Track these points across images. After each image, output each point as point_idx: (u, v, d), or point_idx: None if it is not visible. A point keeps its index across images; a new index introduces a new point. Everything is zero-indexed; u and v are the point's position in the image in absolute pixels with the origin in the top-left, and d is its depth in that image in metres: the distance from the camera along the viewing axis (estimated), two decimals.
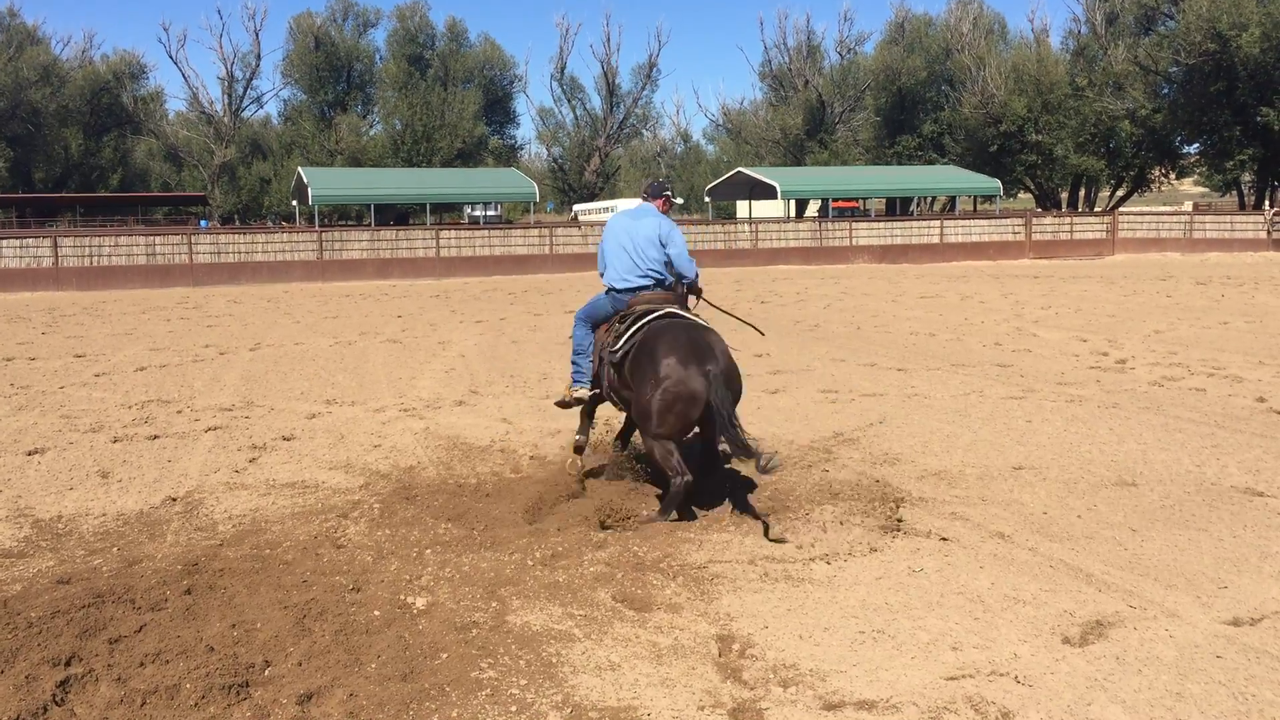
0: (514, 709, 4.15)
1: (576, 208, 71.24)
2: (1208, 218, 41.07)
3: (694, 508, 6.65)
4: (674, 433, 6.38)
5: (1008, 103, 51.70)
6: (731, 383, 6.36)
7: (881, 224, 39.66)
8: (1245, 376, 11.61)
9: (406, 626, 4.95)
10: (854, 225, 38.57)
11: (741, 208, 51.83)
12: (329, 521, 6.69)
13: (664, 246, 7.02)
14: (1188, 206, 61.32)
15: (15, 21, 63.21)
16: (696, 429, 6.67)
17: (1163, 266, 32.58)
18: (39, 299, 27.14)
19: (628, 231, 7.11)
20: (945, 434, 8.97)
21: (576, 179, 73.93)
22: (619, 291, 7.12)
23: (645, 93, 74.96)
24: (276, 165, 65.06)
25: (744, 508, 6.66)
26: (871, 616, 4.99)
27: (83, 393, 11.76)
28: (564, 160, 75.47)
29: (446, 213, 62.78)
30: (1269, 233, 37.18)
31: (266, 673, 4.47)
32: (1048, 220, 40.33)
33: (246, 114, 70.21)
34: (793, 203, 49.38)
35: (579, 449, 7.46)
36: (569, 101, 74.84)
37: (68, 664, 4.47)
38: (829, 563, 5.77)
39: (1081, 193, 57.94)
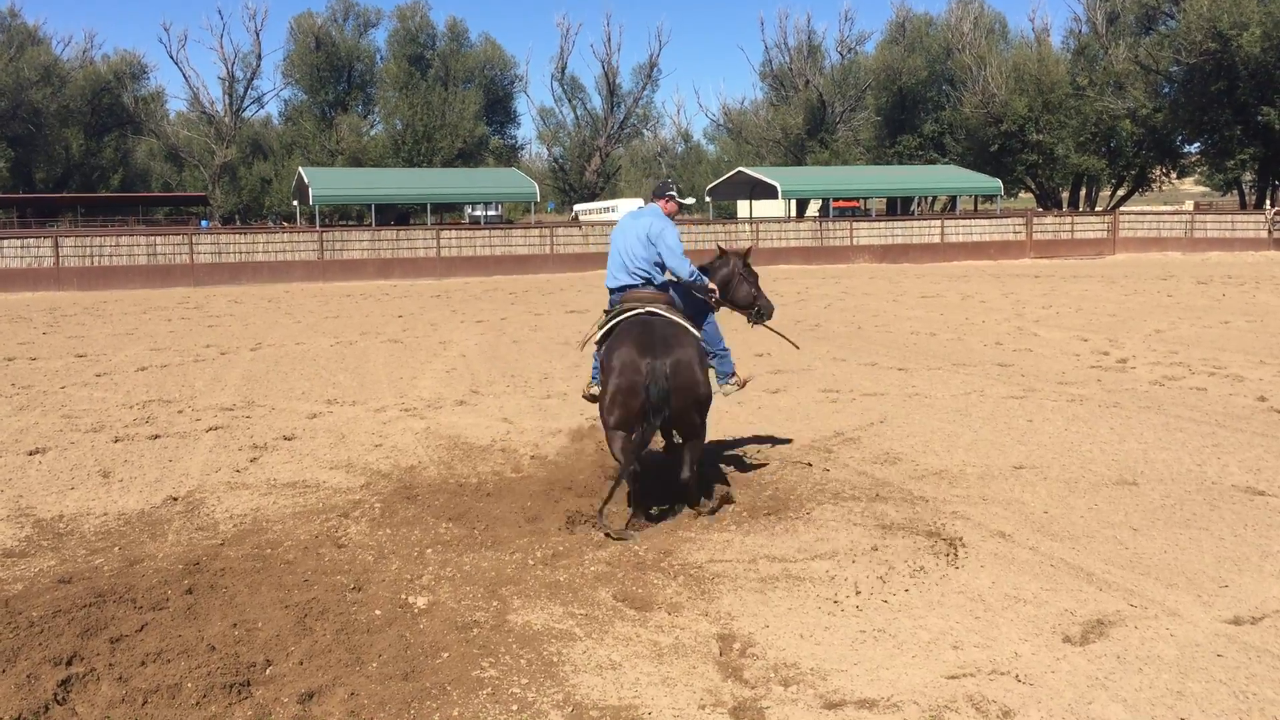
0: (515, 708, 4.15)
1: (577, 208, 71.25)
2: (1208, 217, 41.07)
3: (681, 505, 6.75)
4: (619, 423, 6.44)
5: (1008, 102, 51.69)
6: (679, 379, 6.31)
7: (882, 224, 39.66)
8: (1246, 376, 11.61)
9: (408, 626, 4.95)
10: (855, 225, 38.57)
11: (742, 207, 51.82)
12: (330, 521, 6.70)
13: (653, 245, 6.99)
14: (1189, 206, 61.32)
15: (16, 22, 63.27)
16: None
17: (1164, 266, 32.57)
18: (40, 299, 27.15)
19: (624, 231, 7.16)
20: (946, 433, 8.98)
21: (577, 179, 73.93)
22: (612, 290, 7.21)
23: (646, 92, 75.03)
24: (277, 165, 65.05)
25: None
26: (872, 615, 5.00)
27: (84, 393, 11.77)
28: (565, 160, 75.48)
29: (447, 213, 62.80)
30: (1270, 232, 37.16)
31: (268, 672, 4.47)
32: (1048, 220, 40.32)
33: (247, 114, 70.29)
34: (793, 202, 49.39)
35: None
36: (570, 101, 74.91)
37: (69, 663, 4.47)
38: (830, 561, 5.77)
39: (1082, 192, 57.93)
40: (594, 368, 7.38)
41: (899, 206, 52.24)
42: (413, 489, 7.41)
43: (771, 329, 7.84)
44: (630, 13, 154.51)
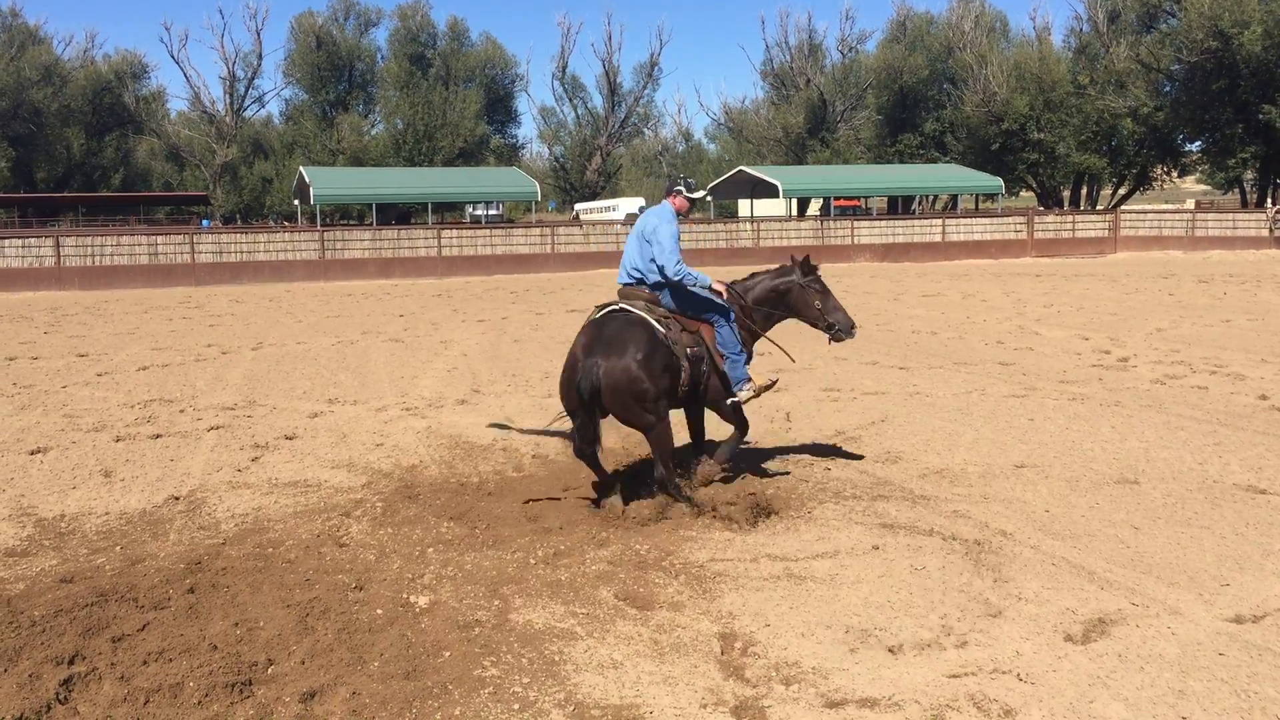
0: (516, 707, 4.15)
1: (578, 207, 71.23)
2: (1210, 216, 41.04)
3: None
4: (567, 410, 6.76)
5: (1010, 101, 51.67)
6: (609, 378, 6.39)
7: (883, 222, 39.65)
8: (1247, 374, 11.60)
9: (409, 625, 4.95)
10: (856, 224, 38.56)
11: (743, 206, 51.81)
12: (331, 520, 6.70)
13: (649, 243, 6.96)
14: (1190, 204, 61.26)
15: (17, 21, 63.31)
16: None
17: (1165, 264, 32.55)
18: (41, 298, 27.16)
19: (634, 229, 7.20)
20: (947, 432, 8.97)
21: (578, 178, 73.91)
22: (619, 287, 7.26)
23: (647, 92, 75.01)
24: (278, 165, 65.06)
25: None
26: (874, 614, 5.00)
27: (85, 392, 11.77)
28: (565, 159, 75.47)
29: (448, 212, 62.81)
30: (1271, 230, 37.14)
31: (269, 671, 4.48)
32: (1050, 218, 40.30)
33: (248, 113, 70.29)
34: (794, 201, 49.36)
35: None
36: (570, 100, 74.90)
37: (71, 662, 4.47)
38: (831, 560, 5.77)
39: (1083, 191, 57.91)
40: None
41: (900, 205, 52.22)
42: (414, 488, 7.42)
43: (769, 339, 7.58)
44: (631, 12, 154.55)
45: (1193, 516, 6.47)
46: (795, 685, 4.28)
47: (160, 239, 31.85)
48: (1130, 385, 11.14)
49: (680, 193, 7.09)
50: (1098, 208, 54.90)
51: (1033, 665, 4.42)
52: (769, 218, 42.15)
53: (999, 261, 36.63)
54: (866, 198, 52.07)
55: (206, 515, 6.90)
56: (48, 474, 8.02)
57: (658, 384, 6.54)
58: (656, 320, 6.78)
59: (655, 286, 7.01)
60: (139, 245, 31.22)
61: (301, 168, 46.34)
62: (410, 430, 9.52)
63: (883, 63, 60.74)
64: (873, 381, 11.68)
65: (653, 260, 6.93)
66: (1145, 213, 43.23)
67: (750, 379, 7.04)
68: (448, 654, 4.63)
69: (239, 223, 63.81)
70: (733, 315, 7.11)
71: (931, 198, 56.97)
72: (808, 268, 7.39)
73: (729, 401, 7.05)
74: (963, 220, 39.51)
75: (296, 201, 48.99)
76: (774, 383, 7.25)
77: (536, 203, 42.87)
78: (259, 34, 68.76)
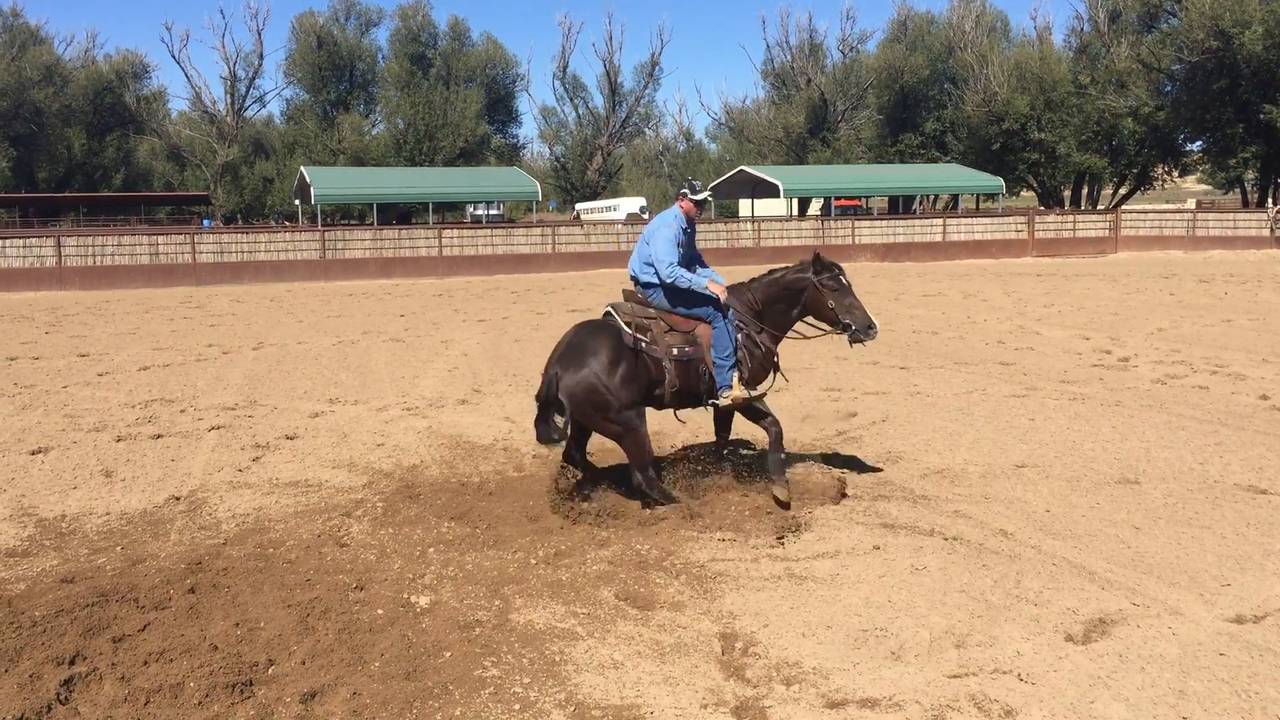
0: (517, 707, 4.15)
1: (579, 206, 71.23)
2: (1210, 215, 41.00)
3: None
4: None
5: (1010, 101, 51.64)
6: (566, 389, 6.54)
7: (884, 222, 39.64)
8: (1248, 374, 11.60)
9: (410, 625, 4.96)
10: (856, 223, 38.55)
11: (744, 206, 51.79)
12: (332, 520, 6.70)
13: (647, 245, 7.02)
14: (1191, 204, 61.22)
15: (18, 21, 63.29)
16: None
17: (1166, 264, 32.54)
18: (42, 298, 27.18)
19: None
20: (948, 432, 8.97)
21: (579, 178, 73.91)
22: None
23: (647, 91, 75.05)
24: (279, 164, 65.04)
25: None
26: (874, 614, 5.00)
27: (86, 392, 11.78)
28: (566, 159, 75.47)
29: (449, 212, 62.79)
30: (1272, 230, 37.12)
31: (270, 671, 4.48)
32: (1050, 218, 40.29)
33: (249, 113, 70.27)
34: (795, 201, 49.35)
35: None
36: (571, 100, 74.90)
37: (72, 663, 4.48)
38: (832, 560, 5.77)
39: (1084, 190, 57.88)
40: None
41: (901, 205, 52.19)
42: (415, 488, 7.42)
43: (819, 328, 7.21)
44: (632, 11, 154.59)
45: (1193, 516, 6.47)
46: (796, 685, 4.29)
47: (161, 239, 31.86)
48: (1131, 385, 11.14)
49: (685, 195, 7.11)
50: (1098, 207, 54.88)
51: (1033, 665, 4.42)
52: (770, 218, 42.14)
53: (1000, 261, 36.62)
54: (867, 197, 52.04)
55: (207, 515, 6.90)
56: (49, 474, 8.02)
57: (619, 395, 6.58)
58: (632, 325, 6.79)
59: (647, 286, 7.03)
60: (140, 245, 31.22)
61: (302, 167, 46.33)
62: (411, 430, 9.52)
63: (883, 62, 60.72)
64: (873, 381, 11.68)
65: (648, 262, 6.98)
66: (1146, 213, 43.20)
67: (731, 386, 6.83)
68: (448, 654, 4.63)
69: (240, 223, 63.82)
70: (730, 315, 6.95)
71: (932, 197, 56.93)
72: (819, 264, 7.00)
73: (708, 403, 7.02)
74: (963, 220, 39.50)
75: (297, 201, 48.99)
76: (760, 395, 6.96)
77: (537, 203, 42.85)
78: (260, 34, 68.83)
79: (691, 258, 7.26)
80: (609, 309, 7.03)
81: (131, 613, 5.07)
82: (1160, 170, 54.73)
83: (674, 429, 8.94)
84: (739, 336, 6.97)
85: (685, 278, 6.87)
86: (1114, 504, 6.78)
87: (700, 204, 7.13)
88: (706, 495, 6.91)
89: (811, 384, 11.50)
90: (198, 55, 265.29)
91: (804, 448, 8.49)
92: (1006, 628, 4.81)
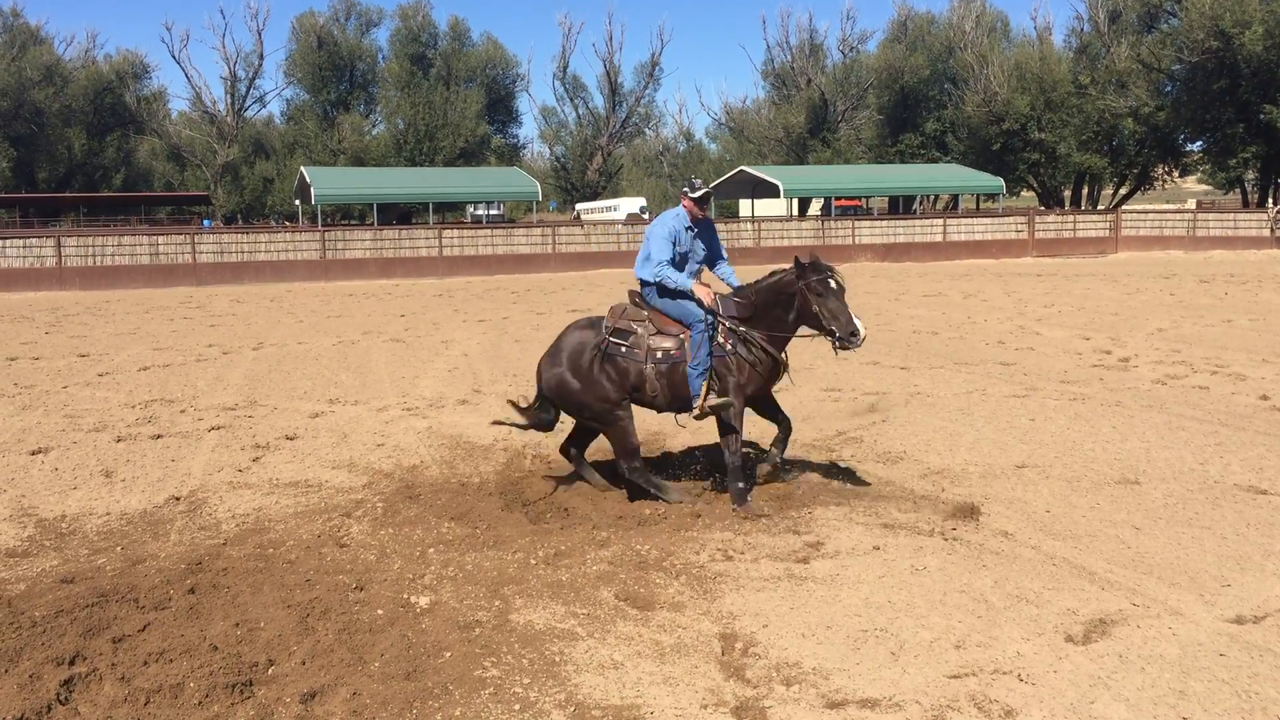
0: (517, 707, 4.15)
1: (579, 207, 71.23)
2: (1211, 215, 41.00)
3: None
4: None
5: (1010, 101, 51.64)
6: (545, 384, 7.16)
7: (884, 222, 39.64)
8: (1248, 374, 11.60)
9: (410, 625, 4.95)
10: (857, 224, 38.55)
11: (744, 206, 51.79)
12: (332, 520, 6.70)
13: (648, 243, 7.08)
14: (1191, 204, 61.24)
15: (18, 21, 63.36)
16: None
17: (1166, 264, 32.53)
18: (42, 299, 27.18)
19: None
20: (948, 432, 8.97)
21: (579, 178, 73.92)
22: None
23: (648, 91, 75.12)
24: (279, 165, 65.06)
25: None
26: (874, 615, 4.99)
27: (86, 392, 11.78)
28: (566, 159, 75.48)
29: (449, 212, 62.80)
30: (1272, 230, 37.12)
31: (270, 671, 4.48)
32: (1051, 218, 40.28)
33: (249, 113, 70.33)
34: (795, 201, 49.36)
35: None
36: (571, 100, 74.94)
37: (72, 663, 4.48)
38: (832, 561, 5.77)
39: (1084, 191, 57.87)
40: None
41: (901, 205, 52.19)
42: (415, 488, 7.42)
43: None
44: (632, 11, 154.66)
45: (1193, 517, 6.46)
46: (796, 686, 4.29)
47: (161, 239, 31.87)
48: (1131, 385, 11.13)
49: (685, 194, 7.10)
50: (1099, 208, 54.86)
51: (1033, 666, 4.42)
52: (770, 218, 42.15)
53: (1000, 261, 36.62)
54: (867, 198, 52.04)
55: (207, 515, 6.90)
56: (49, 474, 8.02)
57: (593, 390, 6.88)
58: (610, 328, 6.93)
59: (645, 285, 7.08)
60: (140, 245, 31.23)
61: (303, 168, 46.34)
62: (411, 430, 9.52)
63: (884, 63, 60.72)
64: (873, 381, 11.67)
65: (645, 259, 7.07)
66: (1146, 213, 43.20)
67: (699, 395, 6.75)
68: (448, 654, 4.63)
69: (240, 223, 63.84)
70: (709, 322, 6.79)
71: (932, 198, 56.94)
72: (802, 266, 6.67)
73: (677, 419, 7.05)
74: (964, 220, 39.50)
75: (298, 201, 49.00)
76: (728, 404, 6.77)
77: (537, 203, 42.86)
78: (260, 34, 68.91)
79: (712, 256, 7.25)
80: (610, 309, 7.13)
81: (131, 613, 5.07)
82: (1160, 170, 54.73)
83: (673, 429, 8.94)
84: (731, 343, 6.76)
85: (671, 277, 6.87)
86: (1114, 504, 6.77)
87: (700, 201, 7.04)
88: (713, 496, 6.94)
89: (812, 384, 11.49)
90: (198, 55, 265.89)
91: (804, 448, 8.48)
92: (1006, 628, 4.81)
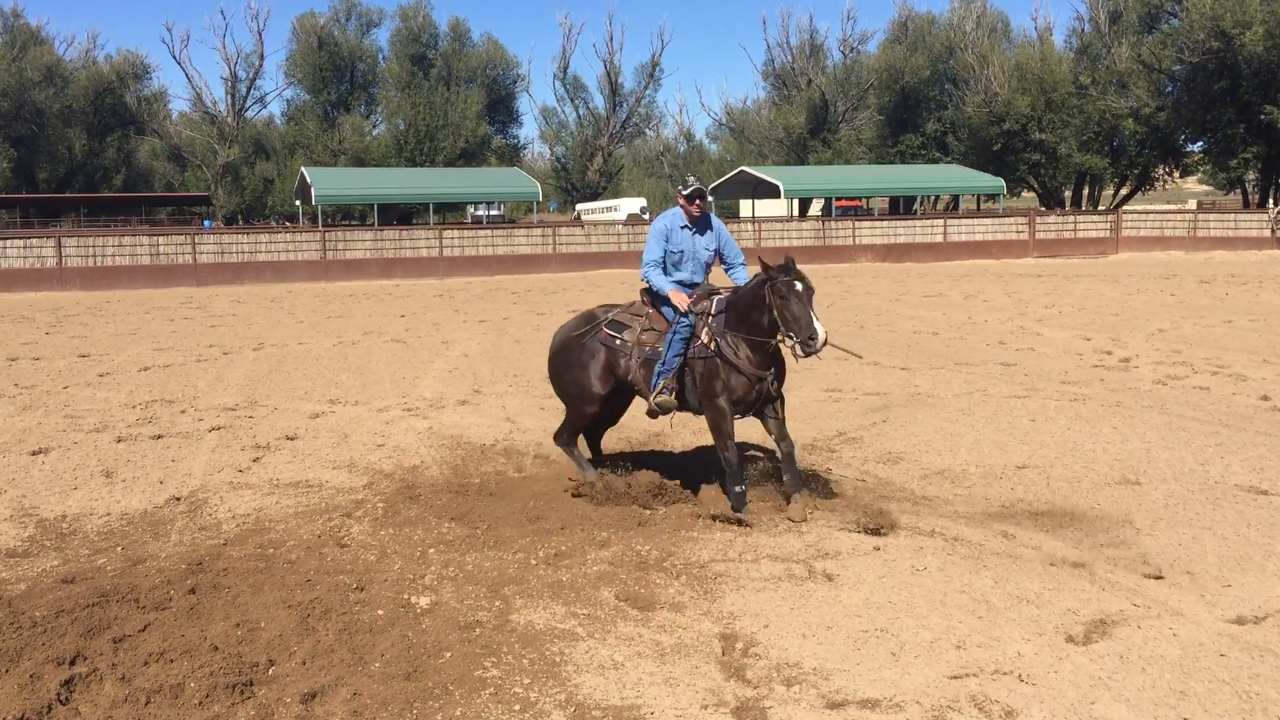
0: (517, 708, 4.15)
1: (579, 207, 71.19)
2: (1212, 216, 41.02)
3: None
4: None
5: (1011, 101, 51.63)
6: (548, 365, 7.72)
7: (885, 223, 39.65)
8: (1249, 375, 11.59)
9: (410, 625, 4.95)
10: (857, 224, 38.57)
11: (745, 207, 51.77)
12: (333, 521, 6.70)
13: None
14: (1191, 205, 61.21)
15: (19, 22, 63.31)
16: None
17: (1167, 265, 32.53)
18: (43, 299, 27.19)
19: None
20: (949, 433, 8.97)
21: (580, 178, 73.87)
22: None
23: (648, 92, 74.93)
24: (280, 165, 65.05)
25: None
26: (875, 615, 4.99)
27: (87, 393, 11.78)
28: (567, 160, 75.43)
29: (450, 212, 62.79)
30: (1273, 231, 37.11)
31: (270, 672, 4.48)
32: (1051, 219, 40.29)
33: (250, 114, 70.28)
34: (796, 202, 49.35)
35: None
36: (572, 101, 74.84)
37: (72, 663, 4.48)
38: (832, 561, 5.76)
39: (1085, 191, 57.86)
40: None
41: (901, 206, 52.20)
42: (415, 489, 7.42)
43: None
44: (632, 12, 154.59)
45: (1194, 517, 6.46)
46: (796, 686, 4.28)
47: (162, 239, 31.89)
48: (1132, 386, 11.13)
49: (679, 192, 7.10)
50: (1099, 208, 54.84)
51: (1034, 666, 4.41)
52: (771, 218, 42.16)
53: (1001, 262, 36.62)
54: (868, 198, 52.02)
55: (208, 516, 6.90)
56: (49, 474, 8.02)
57: (567, 372, 7.36)
58: (611, 317, 7.20)
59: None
60: (140, 246, 31.25)
61: (303, 168, 46.35)
62: (412, 431, 9.52)
63: (884, 63, 60.71)
64: (874, 382, 11.67)
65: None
66: (1147, 213, 43.21)
67: (654, 390, 6.83)
68: (449, 655, 4.63)
69: (241, 223, 63.85)
70: (685, 326, 6.77)
71: (933, 198, 56.95)
72: (775, 268, 6.50)
73: (648, 410, 7.11)
74: (964, 221, 39.51)
75: (298, 202, 49.00)
76: (669, 405, 6.90)
77: (538, 203, 42.85)
78: (261, 34, 68.83)
79: (725, 257, 7.21)
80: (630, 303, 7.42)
81: (132, 613, 5.07)
82: (1161, 171, 54.74)
83: (673, 430, 8.94)
84: (715, 344, 6.68)
85: (652, 279, 7.01)
86: (1115, 505, 6.77)
87: (691, 198, 6.98)
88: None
89: (812, 384, 11.49)
90: (198, 56, 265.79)
91: (804, 449, 8.48)
92: (1007, 628, 4.81)
